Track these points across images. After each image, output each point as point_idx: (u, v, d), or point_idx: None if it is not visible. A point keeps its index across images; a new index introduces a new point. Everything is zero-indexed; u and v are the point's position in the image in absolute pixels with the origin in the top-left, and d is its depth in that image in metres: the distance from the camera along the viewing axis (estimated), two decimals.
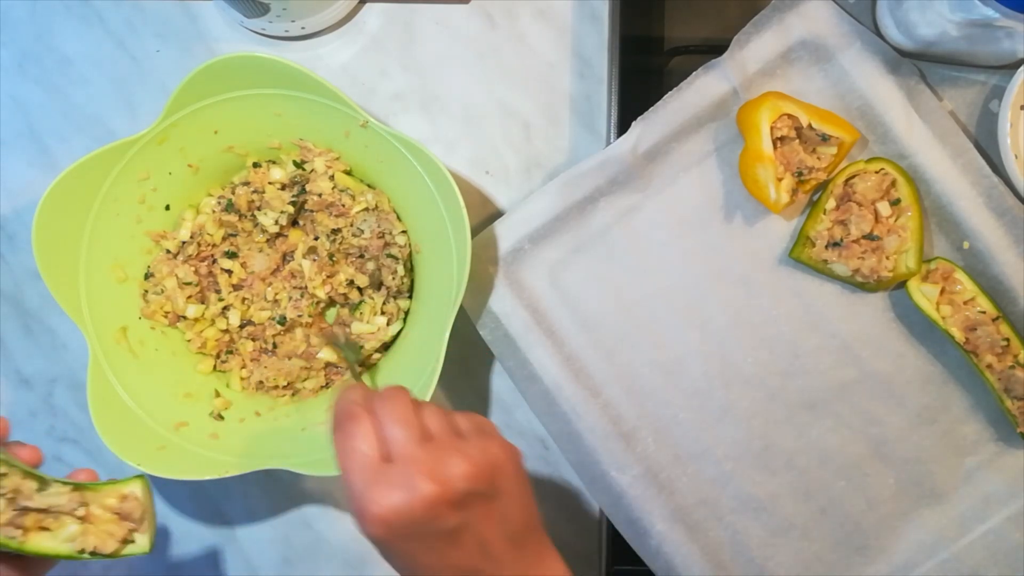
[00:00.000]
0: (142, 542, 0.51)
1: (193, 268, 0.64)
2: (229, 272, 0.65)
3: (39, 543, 0.49)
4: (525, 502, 0.50)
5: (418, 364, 0.58)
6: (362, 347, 0.63)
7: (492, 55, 0.68)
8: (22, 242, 0.69)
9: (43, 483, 0.49)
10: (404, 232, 0.64)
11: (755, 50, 0.62)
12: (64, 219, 0.59)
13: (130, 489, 0.52)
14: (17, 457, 0.50)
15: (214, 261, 0.65)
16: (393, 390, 0.49)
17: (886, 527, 0.62)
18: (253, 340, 0.65)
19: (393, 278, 0.63)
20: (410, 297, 0.65)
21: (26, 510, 0.48)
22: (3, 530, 0.47)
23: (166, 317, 0.64)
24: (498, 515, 0.47)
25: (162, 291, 0.63)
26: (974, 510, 0.61)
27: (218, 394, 0.64)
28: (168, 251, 0.64)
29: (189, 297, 0.64)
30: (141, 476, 0.53)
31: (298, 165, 0.64)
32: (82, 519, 0.50)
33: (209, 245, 0.65)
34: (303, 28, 0.67)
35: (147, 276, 0.64)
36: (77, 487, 0.50)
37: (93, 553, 0.50)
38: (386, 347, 0.65)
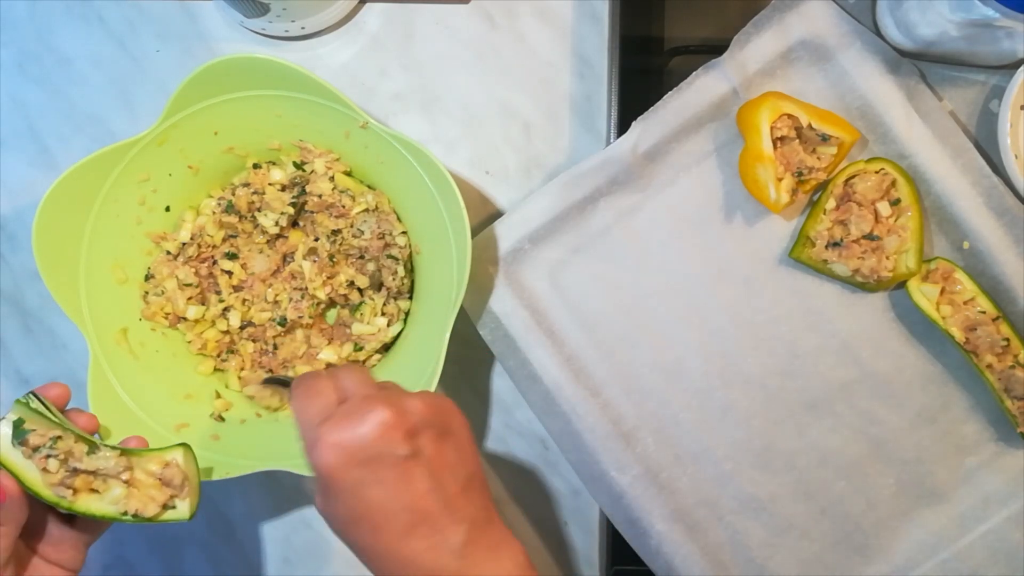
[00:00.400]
0: (182, 508, 0.53)
1: (193, 269, 0.64)
2: (229, 273, 0.65)
3: (87, 504, 0.51)
4: (474, 457, 0.49)
5: (418, 365, 0.58)
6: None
7: (492, 55, 0.68)
8: (22, 242, 0.69)
9: (93, 447, 0.52)
10: (404, 233, 0.64)
11: (755, 50, 0.62)
12: (64, 221, 0.59)
13: (172, 456, 0.54)
14: (75, 423, 0.53)
15: (214, 262, 0.65)
16: (345, 364, 0.50)
17: (886, 527, 0.62)
18: (254, 341, 0.65)
19: (393, 279, 0.63)
20: (410, 298, 0.65)
21: (76, 472, 0.51)
22: (55, 489, 0.50)
23: (166, 318, 0.64)
24: (451, 453, 0.47)
25: (162, 292, 0.63)
26: (974, 510, 0.61)
27: (219, 395, 0.64)
28: (168, 252, 0.64)
29: (189, 298, 0.64)
30: (185, 444, 0.55)
31: (298, 166, 0.64)
32: (127, 483, 0.52)
33: (209, 246, 0.65)
34: (303, 28, 0.67)
35: (147, 277, 0.64)
36: (124, 452, 0.53)
37: (135, 516, 0.52)
38: (386, 348, 0.65)
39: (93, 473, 0.51)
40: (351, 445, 0.44)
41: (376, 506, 0.45)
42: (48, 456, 0.50)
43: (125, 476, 0.52)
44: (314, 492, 0.47)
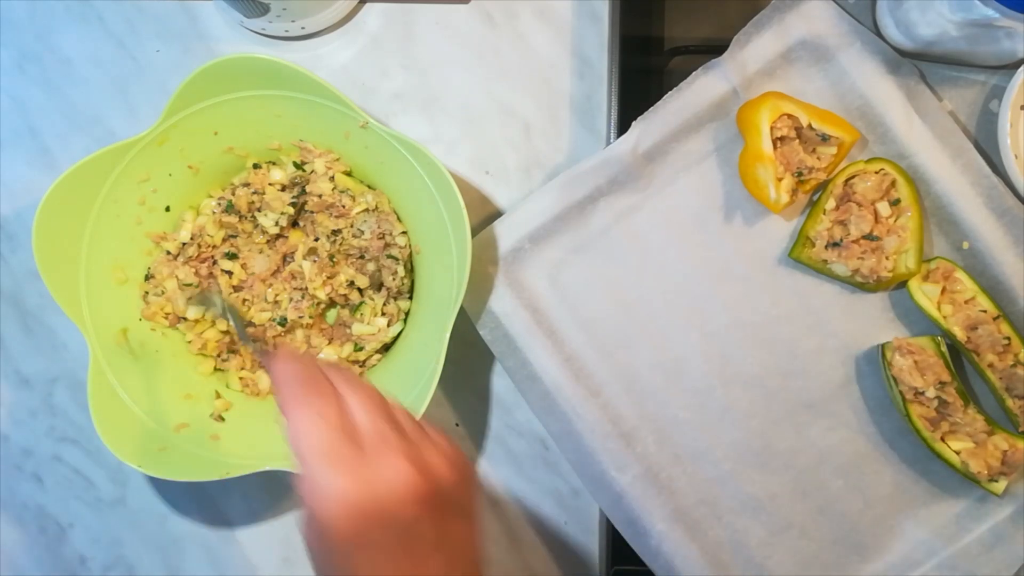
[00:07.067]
0: None
1: (193, 270, 0.64)
2: (229, 273, 0.65)
3: None
4: (481, 541, 0.41)
5: (418, 365, 0.58)
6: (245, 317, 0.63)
7: (492, 55, 0.68)
8: (22, 242, 0.69)
9: None
10: (404, 233, 0.64)
11: (755, 50, 0.62)
12: (64, 221, 0.59)
13: None
14: None
15: (214, 262, 0.65)
16: (350, 373, 0.41)
17: (884, 526, 0.62)
18: (254, 342, 0.65)
19: (393, 279, 0.63)
20: (410, 298, 0.65)
21: None
22: None
23: (166, 319, 0.64)
24: (468, 542, 0.39)
25: (162, 292, 0.63)
26: (972, 509, 0.61)
27: (219, 395, 0.64)
28: (168, 252, 0.64)
29: (189, 299, 0.64)
30: None
31: (298, 166, 0.64)
32: None
33: (209, 247, 0.65)
34: (303, 28, 0.67)
35: (147, 278, 0.64)
36: None
37: None
38: (386, 348, 0.65)
39: None
40: (362, 502, 0.35)
41: None
42: None
43: None
44: (302, 517, 0.39)
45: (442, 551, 0.37)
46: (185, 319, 0.64)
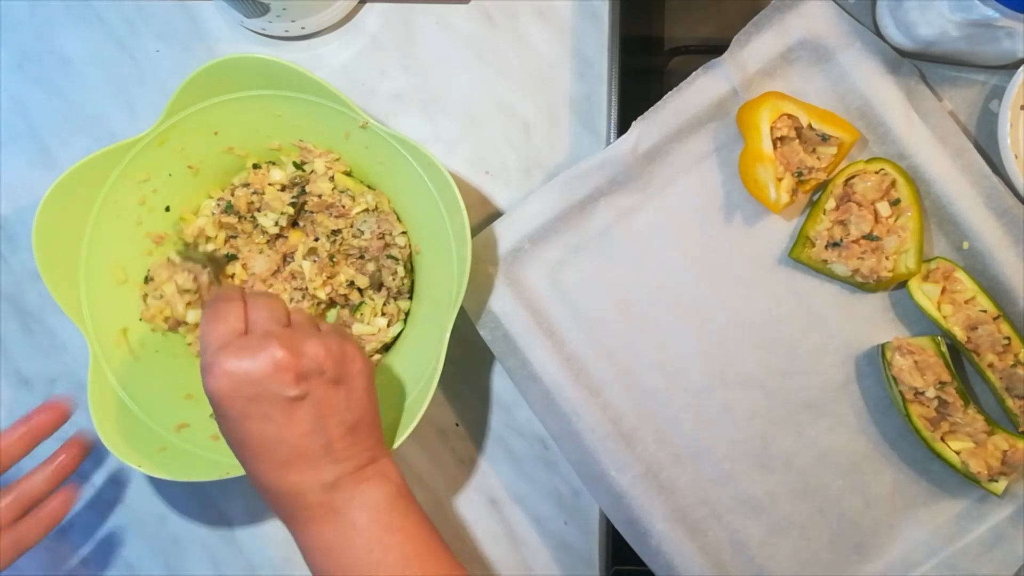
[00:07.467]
0: None
1: (192, 276, 0.63)
2: (231, 277, 0.65)
3: None
4: (365, 404, 0.51)
5: (419, 365, 0.58)
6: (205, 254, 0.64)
7: (492, 55, 0.68)
8: (22, 242, 0.69)
9: None
10: (404, 233, 0.64)
11: (755, 50, 0.62)
12: (64, 221, 0.59)
13: None
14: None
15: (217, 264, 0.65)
16: (264, 292, 0.52)
17: (884, 526, 0.62)
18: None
19: (393, 279, 0.63)
20: (410, 298, 0.65)
21: None
22: None
23: (166, 322, 0.63)
24: (340, 400, 0.49)
25: (161, 296, 0.63)
26: (972, 509, 0.61)
27: None
28: (169, 259, 0.63)
29: (189, 303, 0.63)
30: None
31: (298, 166, 0.64)
32: None
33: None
34: (303, 28, 0.67)
35: (146, 280, 0.64)
36: None
37: None
38: (386, 348, 0.65)
39: None
40: (241, 377, 0.46)
41: (256, 438, 0.48)
42: None
43: None
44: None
45: (309, 407, 0.47)
46: (185, 323, 0.64)
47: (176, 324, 0.64)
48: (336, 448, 0.48)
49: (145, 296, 0.63)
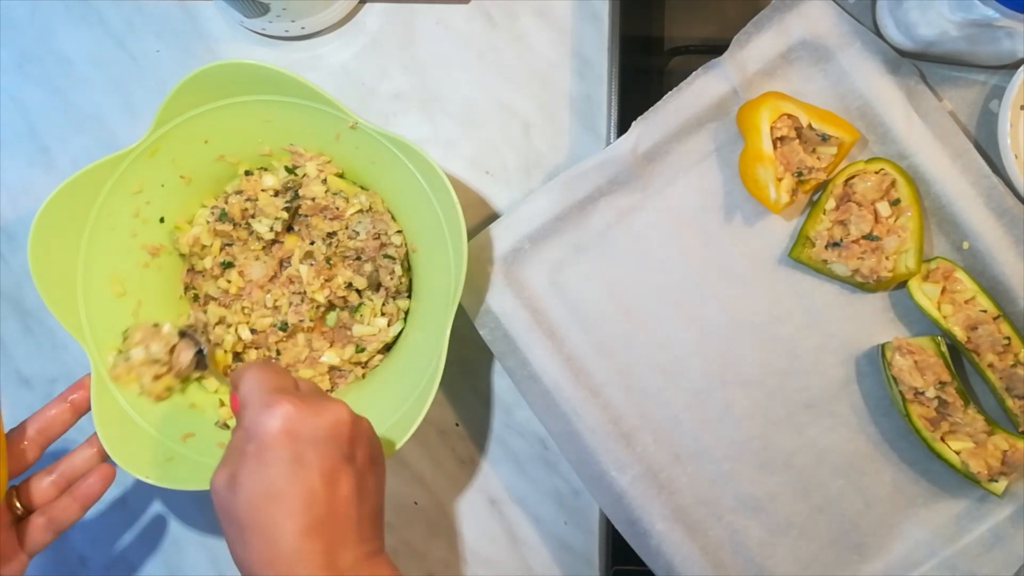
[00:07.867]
0: None
1: (169, 347, 0.60)
2: (227, 291, 0.64)
3: None
4: (383, 495, 0.51)
5: (420, 364, 0.58)
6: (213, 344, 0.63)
7: (492, 55, 0.68)
8: (22, 242, 0.69)
9: None
10: (399, 232, 0.63)
11: (755, 50, 0.62)
12: (59, 236, 0.58)
13: None
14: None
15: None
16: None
17: (884, 526, 0.62)
18: (256, 348, 0.65)
19: (391, 278, 0.63)
20: (409, 297, 0.65)
21: None
22: None
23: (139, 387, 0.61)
24: (374, 481, 0.49)
25: (127, 359, 0.60)
26: (972, 509, 0.61)
27: (223, 403, 0.63)
28: (156, 324, 0.61)
29: (156, 376, 0.61)
30: None
31: (290, 170, 0.64)
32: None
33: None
34: (303, 28, 0.67)
35: (124, 337, 0.61)
36: None
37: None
38: (387, 348, 0.65)
39: None
40: (303, 423, 0.45)
41: (301, 487, 0.45)
42: None
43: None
44: (224, 460, 0.47)
45: (353, 474, 0.47)
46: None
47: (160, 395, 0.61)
48: (364, 525, 0.47)
49: (118, 352, 0.60)
